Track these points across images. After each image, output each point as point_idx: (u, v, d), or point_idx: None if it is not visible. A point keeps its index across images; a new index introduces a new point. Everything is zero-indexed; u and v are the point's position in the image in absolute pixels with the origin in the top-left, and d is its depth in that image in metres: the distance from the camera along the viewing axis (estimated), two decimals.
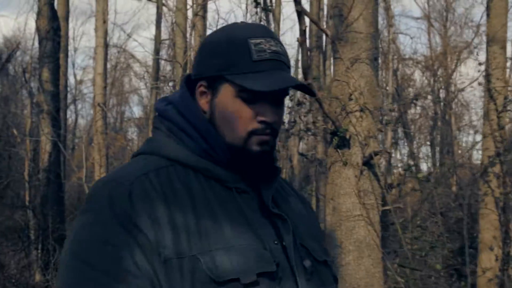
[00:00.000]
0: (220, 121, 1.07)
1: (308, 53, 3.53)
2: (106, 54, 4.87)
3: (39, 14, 7.91)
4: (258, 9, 7.32)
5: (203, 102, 1.09)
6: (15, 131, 11.47)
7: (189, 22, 8.39)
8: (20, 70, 15.35)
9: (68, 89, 12.77)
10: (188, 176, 1.05)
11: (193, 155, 1.06)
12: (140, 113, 23.58)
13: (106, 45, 5.84)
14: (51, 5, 7.72)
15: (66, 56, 10.39)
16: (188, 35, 8.47)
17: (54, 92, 7.51)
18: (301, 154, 11.21)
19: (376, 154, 3.71)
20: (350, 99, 3.71)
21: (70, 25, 11.68)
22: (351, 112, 3.74)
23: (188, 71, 7.29)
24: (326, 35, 4.00)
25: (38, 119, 8.58)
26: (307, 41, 3.35)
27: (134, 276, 0.93)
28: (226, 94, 1.06)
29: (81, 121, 23.61)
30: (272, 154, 1.09)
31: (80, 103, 24.12)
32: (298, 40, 3.36)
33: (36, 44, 8.44)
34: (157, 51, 10.71)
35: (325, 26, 6.29)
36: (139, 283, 0.93)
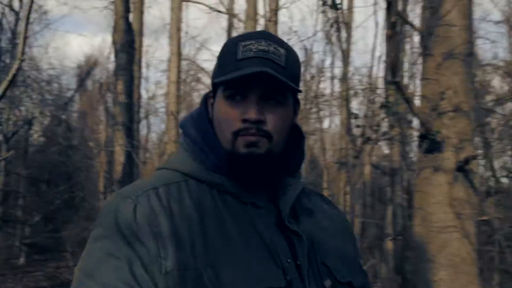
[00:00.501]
0: (216, 128, 1.07)
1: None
2: (179, 62, 4.83)
3: (115, 28, 8.09)
4: (329, 13, 7.08)
5: (211, 112, 1.10)
6: (91, 144, 11.81)
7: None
8: (97, 85, 15.91)
9: (141, 103, 13.05)
10: (201, 191, 1.04)
11: (206, 170, 1.06)
12: None
13: (179, 54, 5.82)
14: (126, 18, 7.90)
15: (139, 69, 10.63)
16: None
17: (127, 104, 7.62)
18: (375, 166, 10.80)
19: (473, 158, 3.36)
20: (442, 99, 3.39)
21: (144, 44, 12.01)
22: (443, 112, 3.42)
23: None
24: (415, 29, 3.71)
25: (113, 131, 8.74)
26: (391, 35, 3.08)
27: None
28: (218, 99, 1.06)
29: (153, 135, 24.14)
30: (270, 160, 1.03)
31: (152, 118, 24.70)
32: (386, 34, 3.11)
33: (112, 58, 8.67)
34: None
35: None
36: None
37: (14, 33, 14.72)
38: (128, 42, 7.62)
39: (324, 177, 13.50)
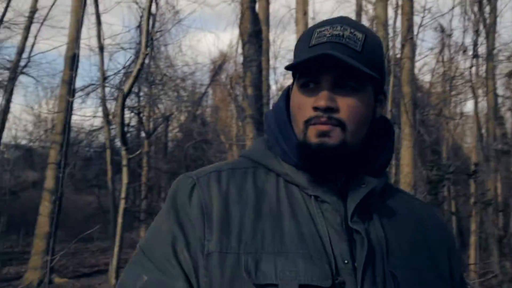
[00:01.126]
0: (292, 117, 1.04)
1: None
2: None
3: (241, 19, 7.96)
4: None
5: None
6: (223, 138, 11.97)
7: (389, 13, 7.67)
8: (228, 79, 16.20)
9: (270, 95, 12.93)
10: (268, 179, 1.03)
11: (276, 159, 1.05)
12: None
13: None
14: (253, 9, 7.73)
15: (268, 60, 10.47)
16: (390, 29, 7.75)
17: (257, 96, 7.46)
18: None
19: None
20: None
21: (271, 35, 11.83)
22: None
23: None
24: None
25: (243, 124, 8.67)
26: None
27: (172, 265, 0.96)
28: (294, 88, 1.04)
29: None
30: (344, 151, 0.97)
31: None
32: None
33: (240, 51, 8.58)
34: None
35: None
36: (174, 273, 0.95)
37: (150, 34, 15.58)
38: (255, 32, 7.43)
39: (472, 164, 12.28)
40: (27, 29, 12.43)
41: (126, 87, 3.52)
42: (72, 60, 10.53)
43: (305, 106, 0.99)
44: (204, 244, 0.96)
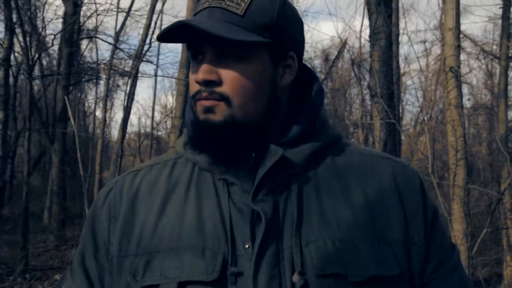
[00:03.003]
0: None
1: None
2: (458, 4, 3.69)
3: None
4: None
5: None
6: (347, 122, 11.21)
7: None
8: (349, 63, 15.41)
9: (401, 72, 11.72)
10: (185, 169, 1.00)
11: (187, 146, 1.00)
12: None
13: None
14: None
15: (398, 35, 9.34)
16: None
17: (386, 72, 6.64)
18: None
19: None
20: None
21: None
22: None
23: None
24: None
25: (371, 105, 7.85)
26: None
27: (79, 273, 1.00)
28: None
29: (407, 116, 22.27)
30: (233, 128, 0.90)
31: (406, 95, 22.90)
32: None
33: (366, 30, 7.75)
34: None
35: None
36: (79, 280, 0.99)
37: None
38: (384, 0, 6.60)
39: None
40: (150, 18, 12.63)
41: None
42: None
43: (192, 80, 0.93)
44: (109, 249, 0.97)
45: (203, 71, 0.89)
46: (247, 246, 0.88)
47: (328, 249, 0.88)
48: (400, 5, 10.09)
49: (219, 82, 0.90)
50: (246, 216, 0.90)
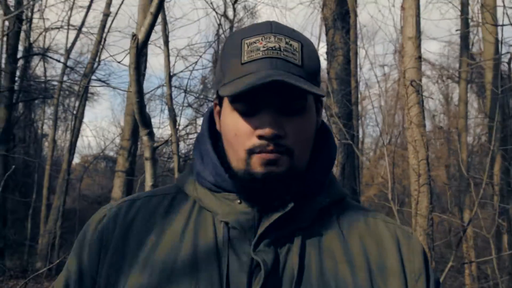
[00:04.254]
0: (225, 141, 0.95)
1: None
2: (418, 14, 3.31)
3: (324, 4, 6.78)
4: None
5: (218, 123, 1.00)
6: None
7: None
8: None
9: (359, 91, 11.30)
10: (184, 205, 0.98)
11: (194, 183, 0.99)
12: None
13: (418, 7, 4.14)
14: None
15: (356, 50, 9.00)
16: None
17: (344, 90, 6.24)
18: None
19: None
20: None
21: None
22: None
23: None
24: None
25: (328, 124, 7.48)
26: None
27: None
28: (225, 108, 0.94)
29: (367, 140, 22.02)
30: (291, 178, 0.90)
31: (366, 120, 22.71)
32: None
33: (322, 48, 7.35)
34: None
35: None
36: None
37: None
38: (341, 15, 6.24)
39: None
40: (100, 34, 12.06)
41: None
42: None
43: (245, 133, 0.90)
44: (96, 280, 0.94)
45: (273, 127, 0.87)
46: None
47: None
48: (358, 27, 9.80)
49: (284, 136, 0.89)
50: (244, 264, 0.89)
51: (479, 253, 7.72)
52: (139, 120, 2.27)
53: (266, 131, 0.87)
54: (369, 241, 0.95)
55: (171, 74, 9.00)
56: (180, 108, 10.42)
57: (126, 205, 0.99)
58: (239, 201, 0.93)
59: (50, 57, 14.05)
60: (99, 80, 13.00)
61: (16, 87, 11.70)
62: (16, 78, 11.91)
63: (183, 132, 11.45)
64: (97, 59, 11.94)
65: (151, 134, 2.32)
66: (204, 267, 0.88)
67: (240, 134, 0.89)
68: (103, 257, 0.94)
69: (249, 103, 0.89)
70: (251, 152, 0.89)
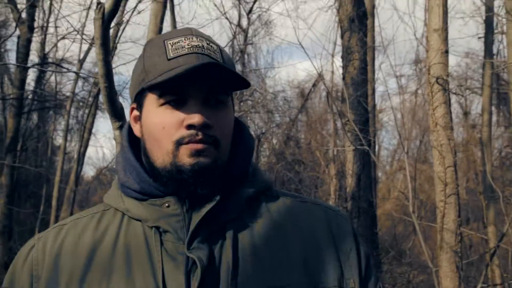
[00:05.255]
0: (148, 141, 0.96)
1: None
2: (445, 4, 2.97)
3: (340, 5, 6.41)
4: None
5: (136, 128, 1.00)
6: (318, 154, 10.39)
7: None
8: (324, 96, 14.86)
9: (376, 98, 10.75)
10: (114, 220, 0.98)
11: (120, 196, 0.99)
12: None
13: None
14: None
15: (373, 51, 8.53)
16: None
17: (360, 96, 5.84)
18: None
19: None
20: None
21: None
22: None
23: None
24: None
25: (343, 134, 7.02)
26: None
27: None
28: (149, 106, 0.95)
29: (383, 153, 21.39)
30: (215, 170, 0.91)
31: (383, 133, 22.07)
32: None
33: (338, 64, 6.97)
34: None
35: None
36: None
37: (243, 52, 14.78)
38: (358, 16, 5.87)
39: None
40: (113, 43, 11.84)
41: None
42: None
43: (174, 124, 0.91)
44: None
45: (201, 115, 0.90)
46: None
47: None
48: (376, 30, 9.41)
49: (211, 126, 0.91)
50: (180, 264, 0.89)
51: (507, 273, 7.19)
52: (108, 109, 1.92)
53: (196, 119, 0.89)
54: (300, 223, 0.98)
55: None
56: None
57: (53, 233, 0.99)
58: (167, 204, 0.93)
59: (62, 67, 13.88)
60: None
61: (29, 97, 11.52)
62: (27, 88, 11.74)
63: None
64: None
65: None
66: (139, 277, 0.89)
67: (168, 126, 0.91)
68: (36, 286, 0.94)
69: (177, 95, 0.91)
70: (179, 143, 0.90)
